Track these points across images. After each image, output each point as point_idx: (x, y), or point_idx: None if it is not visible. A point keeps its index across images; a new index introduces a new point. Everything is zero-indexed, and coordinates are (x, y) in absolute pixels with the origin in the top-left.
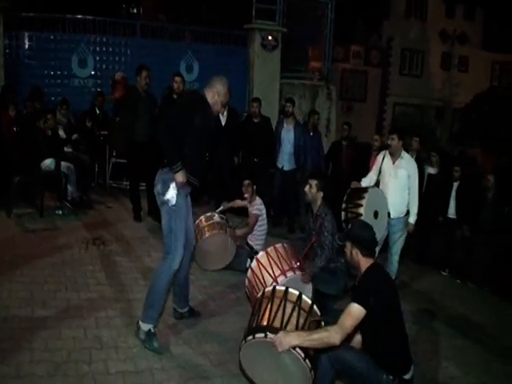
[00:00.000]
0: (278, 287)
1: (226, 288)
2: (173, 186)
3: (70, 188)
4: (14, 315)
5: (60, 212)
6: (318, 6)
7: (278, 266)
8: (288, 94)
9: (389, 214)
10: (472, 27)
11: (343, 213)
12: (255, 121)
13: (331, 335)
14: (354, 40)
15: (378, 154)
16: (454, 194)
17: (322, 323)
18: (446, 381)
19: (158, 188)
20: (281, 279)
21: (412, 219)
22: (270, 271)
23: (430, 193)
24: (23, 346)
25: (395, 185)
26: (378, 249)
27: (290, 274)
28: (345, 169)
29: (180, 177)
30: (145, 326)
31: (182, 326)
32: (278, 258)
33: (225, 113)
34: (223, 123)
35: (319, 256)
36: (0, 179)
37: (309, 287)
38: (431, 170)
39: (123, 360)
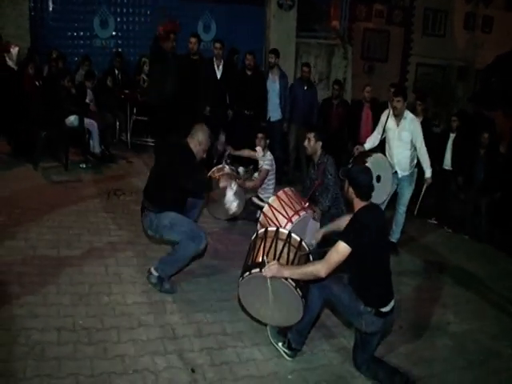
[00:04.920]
0: (269, 228)
1: (237, 235)
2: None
3: (92, 143)
4: (41, 255)
5: (84, 165)
6: None
7: (290, 207)
8: (304, 54)
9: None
10: None
11: None
12: (249, 73)
13: (318, 269)
14: None
15: (369, 107)
16: (450, 145)
17: (310, 257)
18: (442, 325)
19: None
20: (295, 218)
21: (428, 173)
22: (284, 213)
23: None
24: (50, 280)
25: (399, 146)
26: (384, 205)
27: (302, 213)
28: (334, 127)
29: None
30: (155, 274)
31: (194, 267)
32: (289, 200)
33: (220, 66)
34: (218, 76)
35: (325, 195)
36: (25, 133)
37: (317, 225)
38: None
39: (139, 293)
